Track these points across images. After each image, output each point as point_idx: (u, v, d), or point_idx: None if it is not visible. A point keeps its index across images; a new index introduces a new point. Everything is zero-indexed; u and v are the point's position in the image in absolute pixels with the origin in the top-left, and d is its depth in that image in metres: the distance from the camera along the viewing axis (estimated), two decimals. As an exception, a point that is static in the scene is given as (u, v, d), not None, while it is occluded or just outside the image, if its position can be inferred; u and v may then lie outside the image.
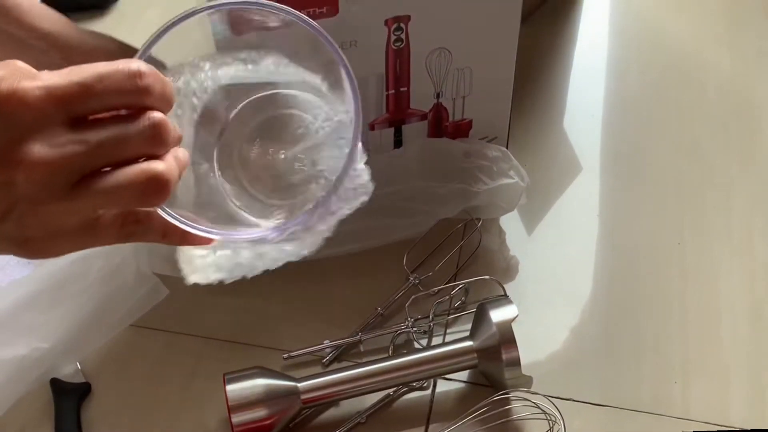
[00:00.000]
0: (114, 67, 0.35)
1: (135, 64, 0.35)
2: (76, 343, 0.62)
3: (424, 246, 0.68)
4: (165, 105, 0.37)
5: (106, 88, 0.35)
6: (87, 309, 0.63)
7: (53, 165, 0.34)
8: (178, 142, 0.38)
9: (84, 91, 0.34)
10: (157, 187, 0.36)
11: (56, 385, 0.61)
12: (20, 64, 0.34)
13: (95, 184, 0.35)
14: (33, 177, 0.34)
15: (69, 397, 0.60)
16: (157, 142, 0.36)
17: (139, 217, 0.39)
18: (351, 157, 0.42)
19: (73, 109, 0.34)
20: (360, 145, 0.43)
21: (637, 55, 0.88)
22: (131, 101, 0.35)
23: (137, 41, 0.93)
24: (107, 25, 0.93)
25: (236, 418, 0.56)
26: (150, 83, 0.36)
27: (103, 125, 0.35)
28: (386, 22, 0.63)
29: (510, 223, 0.71)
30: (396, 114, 0.69)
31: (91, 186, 0.35)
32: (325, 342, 0.63)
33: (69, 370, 0.62)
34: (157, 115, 0.36)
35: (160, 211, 0.39)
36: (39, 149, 0.33)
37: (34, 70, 0.34)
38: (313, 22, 0.44)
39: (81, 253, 0.59)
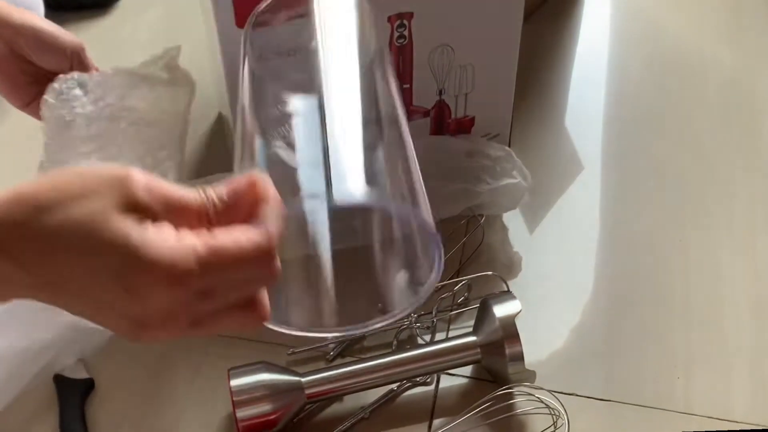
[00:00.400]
0: (250, 242, 0.36)
1: (266, 239, 0.37)
2: (77, 338, 0.62)
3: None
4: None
5: (242, 272, 0.37)
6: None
7: (174, 333, 0.37)
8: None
9: (222, 270, 0.36)
10: (261, 320, 0.39)
11: (59, 380, 0.61)
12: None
13: (206, 326, 0.38)
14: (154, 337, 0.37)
15: (73, 393, 0.60)
16: (268, 276, 0.38)
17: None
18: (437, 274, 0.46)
19: (206, 283, 0.36)
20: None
21: (638, 52, 0.88)
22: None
23: (140, 40, 0.93)
24: (109, 24, 0.93)
25: (241, 413, 0.56)
26: (272, 248, 0.37)
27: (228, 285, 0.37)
28: (389, 19, 0.64)
29: (512, 220, 0.72)
30: (399, 111, 0.70)
31: (202, 328, 0.38)
32: (328, 337, 0.63)
33: (72, 366, 0.62)
34: (277, 265, 0.37)
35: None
36: (178, 295, 0.35)
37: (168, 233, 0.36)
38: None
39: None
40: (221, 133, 0.80)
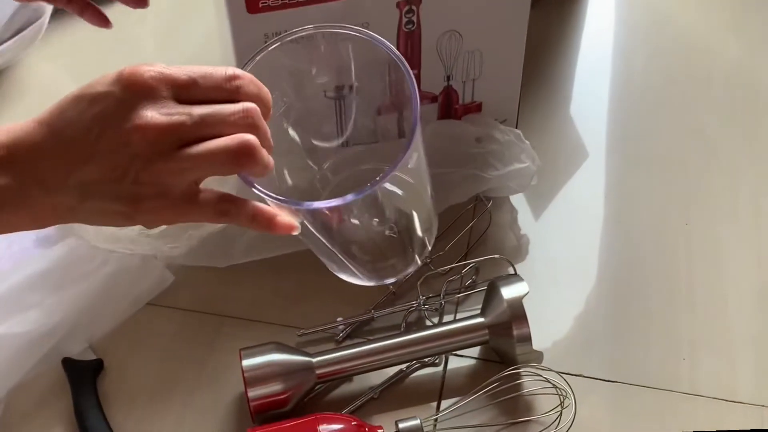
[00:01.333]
0: (216, 69, 0.43)
1: (232, 70, 0.43)
2: (83, 322, 0.63)
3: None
4: (260, 104, 0.44)
5: (208, 83, 0.42)
6: (93, 291, 0.64)
7: (162, 127, 0.41)
8: (269, 145, 0.44)
9: (190, 80, 0.42)
10: (247, 151, 0.42)
11: (68, 363, 0.62)
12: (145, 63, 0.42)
13: (196, 148, 0.42)
14: (146, 137, 0.41)
15: (83, 374, 0.61)
16: (249, 125, 0.43)
17: (233, 198, 0.45)
18: (410, 142, 0.45)
19: (180, 93, 0.42)
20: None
21: (644, 40, 0.89)
22: (226, 97, 0.43)
23: (149, 27, 0.94)
24: (115, 13, 0.93)
25: (252, 393, 0.57)
26: (243, 84, 0.43)
27: (204, 105, 0.42)
28: (398, 5, 0.64)
29: (519, 204, 0.72)
30: (407, 96, 0.70)
31: (192, 149, 0.42)
32: (338, 319, 0.64)
33: (79, 349, 0.62)
34: (249, 104, 0.43)
35: (254, 190, 0.44)
36: (151, 114, 0.41)
37: (153, 63, 0.42)
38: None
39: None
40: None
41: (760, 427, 0.58)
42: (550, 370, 0.59)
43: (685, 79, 0.84)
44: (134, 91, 0.41)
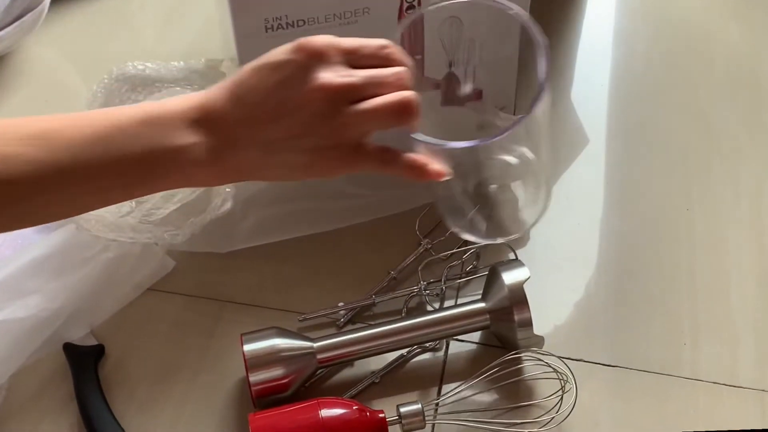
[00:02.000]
0: (370, 40, 0.50)
1: (384, 41, 0.51)
2: (84, 307, 0.63)
3: (436, 212, 0.69)
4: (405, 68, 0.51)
5: (366, 51, 0.50)
6: (94, 276, 0.64)
7: (338, 87, 0.48)
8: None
9: (353, 48, 0.50)
10: (407, 105, 0.49)
11: (69, 348, 0.62)
12: None
13: (365, 104, 0.49)
14: (325, 95, 0.48)
15: (84, 359, 0.61)
16: (402, 86, 0.50)
17: (394, 150, 0.51)
18: (543, 89, 0.52)
19: (347, 58, 0.49)
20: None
21: (645, 26, 0.88)
22: (381, 63, 0.50)
23: (148, 16, 0.93)
24: (116, 1, 0.93)
25: (254, 377, 0.57)
26: (392, 52, 0.51)
27: (366, 69, 0.49)
28: (399, -12, 0.64)
29: (520, 190, 0.72)
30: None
31: (362, 105, 0.49)
32: (339, 304, 0.64)
33: (80, 335, 0.63)
34: (401, 68, 0.50)
35: (414, 137, 0.50)
36: (328, 76, 0.48)
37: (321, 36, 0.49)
38: None
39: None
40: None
41: (760, 411, 0.58)
42: (551, 354, 0.59)
43: (686, 64, 0.84)
44: (312, 56, 0.48)
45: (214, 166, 0.49)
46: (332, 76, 0.48)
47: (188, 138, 0.49)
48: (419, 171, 0.51)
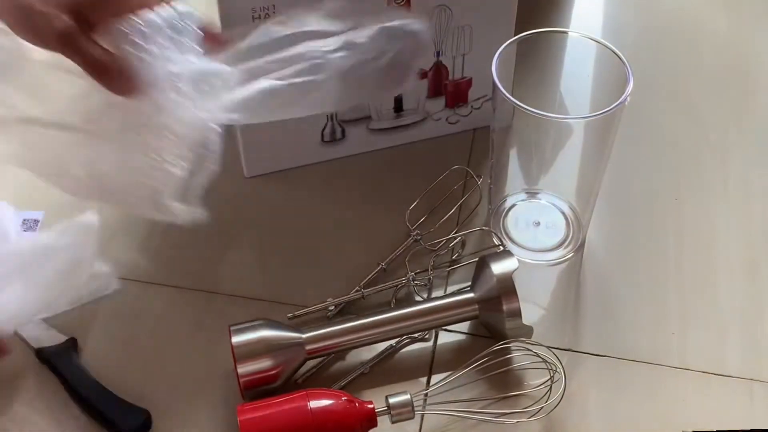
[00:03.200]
0: None
1: None
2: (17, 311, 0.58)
3: (425, 205, 0.69)
4: None
5: None
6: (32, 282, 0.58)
7: None
8: None
9: None
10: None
11: (42, 353, 0.60)
12: None
13: None
14: None
15: (63, 356, 0.60)
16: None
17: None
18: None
19: None
20: None
21: (634, 16, 0.88)
22: None
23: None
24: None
25: (242, 369, 0.56)
26: None
27: None
28: (387, -21, 0.64)
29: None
30: (396, 72, 0.70)
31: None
32: (328, 300, 0.63)
33: (45, 337, 0.61)
34: None
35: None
36: None
37: None
38: None
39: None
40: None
41: (749, 400, 0.59)
42: (540, 344, 0.59)
43: (674, 55, 0.84)
44: None
45: None
46: None
47: None
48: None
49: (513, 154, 0.67)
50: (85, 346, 0.62)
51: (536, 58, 0.82)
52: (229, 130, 0.71)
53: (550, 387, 0.57)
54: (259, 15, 0.62)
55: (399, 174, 0.73)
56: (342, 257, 0.67)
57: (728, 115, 0.78)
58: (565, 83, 0.82)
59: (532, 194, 0.70)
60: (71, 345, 0.61)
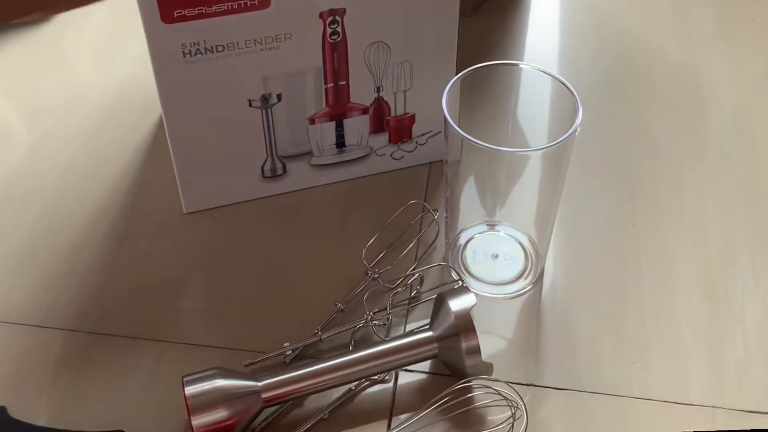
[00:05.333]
0: None
1: None
2: None
3: (382, 241, 0.68)
4: None
5: None
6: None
7: None
8: None
9: None
10: None
11: None
12: None
13: None
14: None
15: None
16: None
17: None
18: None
19: None
20: None
21: (587, 44, 0.89)
22: None
23: (84, 45, 0.91)
24: (50, 32, 0.91)
25: (196, 421, 0.55)
26: None
27: None
28: (321, 15, 0.63)
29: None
30: (336, 108, 0.69)
31: None
32: (285, 344, 0.62)
33: None
34: None
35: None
36: None
37: None
38: None
39: None
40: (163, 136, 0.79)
41: (712, 427, 0.58)
42: (501, 381, 0.58)
43: (628, 80, 0.84)
44: None
45: None
46: None
47: None
48: None
49: (469, 186, 0.67)
50: (24, 405, 0.59)
51: (487, 89, 0.82)
52: (166, 163, 0.70)
53: (513, 424, 0.56)
54: (190, 51, 0.62)
55: (350, 210, 0.72)
56: (297, 298, 0.66)
57: (681, 139, 0.78)
58: (520, 113, 0.82)
59: (490, 226, 0.69)
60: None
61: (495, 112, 0.72)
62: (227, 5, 0.60)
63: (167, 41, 0.60)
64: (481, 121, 0.67)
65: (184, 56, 0.62)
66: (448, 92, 0.61)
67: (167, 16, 0.59)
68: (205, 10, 0.60)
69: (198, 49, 0.61)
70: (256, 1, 0.60)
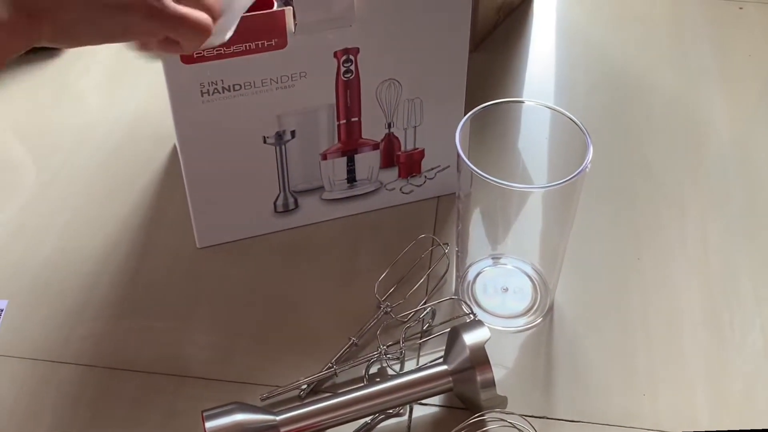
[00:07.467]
0: None
1: None
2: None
3: (393, 275, 0.69)
4: None
5: None
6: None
7: None
8: None
9: None
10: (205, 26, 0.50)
11: None
12: None
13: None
14: None
15: None
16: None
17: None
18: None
19: None
20: None
21: (585, 78, 0.91)
22: None
23: (93, 80, 0.92)
24: (61, 64, 0.92)
25: (217, 455, 0.55)
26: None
27: None
28: (335, 54, 0.65)
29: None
30: (348, 144, 0.71)
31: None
32: (300, 379, 0.63)
33: None
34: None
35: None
36: None
37: None
38: None
39: None
40: (177, 167, 0.79)
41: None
42: (515, 414, 0.59)
43: (626, 113, 0.86)
44: None
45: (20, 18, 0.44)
46: None
47: None
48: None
49: (478, 220, 0.68)
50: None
51: (495, 125, 0.84)
52: (178, 198, 0.71)
53: (528, 457, 0.57)
54: (208, 90, 0.63)
55: (361, 243, 0.73)
56: (311, 332, 0.67)
57: (682, 170, 0.80)
58: (525, 148, 0.84)
59: (498, 259, 0.71)
60: None
61: (505, 146, 0.74)
62: (245, 45, 0.61)
63: (186, 81, 0.62)
64: (489, 155, 0.68)
65: (202, 95, 0.63)
66: (460, 129, 0.62)
67: (187, 57, 0.60)
68: (224, 51, 0.61)
69: (216, 89, 0.63)
70: (273, 42, 0.62)
